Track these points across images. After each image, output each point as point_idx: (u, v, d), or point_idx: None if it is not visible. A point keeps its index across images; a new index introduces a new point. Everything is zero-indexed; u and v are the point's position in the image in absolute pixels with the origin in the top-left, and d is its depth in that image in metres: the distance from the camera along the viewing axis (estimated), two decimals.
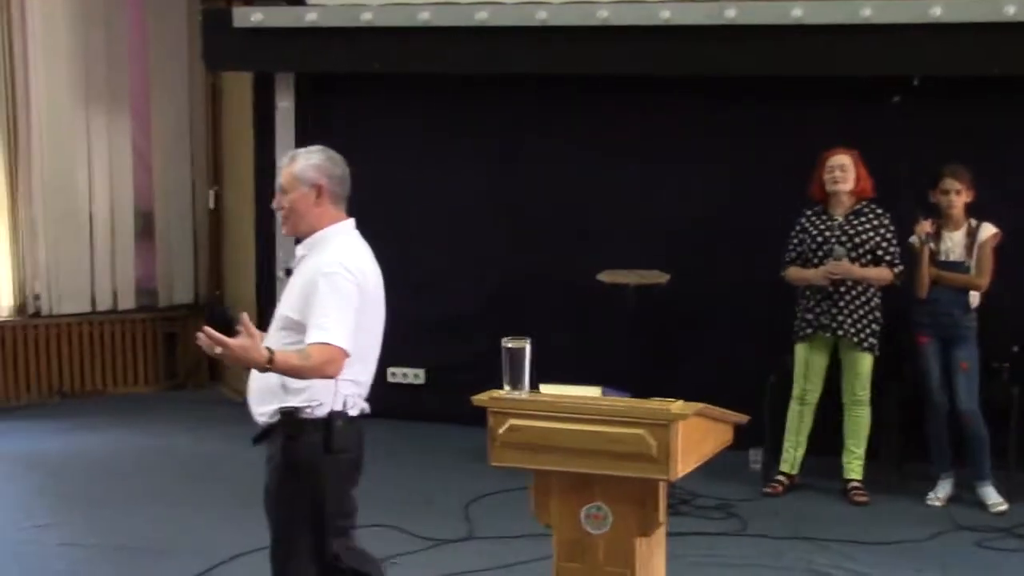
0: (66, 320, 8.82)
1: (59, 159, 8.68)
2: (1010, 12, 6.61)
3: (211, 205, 9.22)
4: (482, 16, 7.46)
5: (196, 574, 5.38)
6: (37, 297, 8.76)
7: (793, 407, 6.67)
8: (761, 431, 6.62)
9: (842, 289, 6.47)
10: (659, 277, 7.01)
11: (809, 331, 6.56)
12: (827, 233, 6.52)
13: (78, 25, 8.68)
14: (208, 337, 3.52)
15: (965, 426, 6.37)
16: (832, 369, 6.63)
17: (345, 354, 3.69)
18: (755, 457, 6.93)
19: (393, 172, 8.02)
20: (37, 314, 8.77)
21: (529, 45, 7.42)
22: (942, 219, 6.47)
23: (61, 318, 8.81)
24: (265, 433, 3.92)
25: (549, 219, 7.81)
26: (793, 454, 6.69)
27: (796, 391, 6.65)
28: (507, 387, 3.74)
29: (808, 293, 6.57)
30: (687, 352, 7.49)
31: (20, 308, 8.75)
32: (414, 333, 7.87)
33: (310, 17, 7.80)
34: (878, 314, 6.51)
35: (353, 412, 3.92)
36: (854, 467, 6.59)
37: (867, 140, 6.68)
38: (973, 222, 6.45)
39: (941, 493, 6.49)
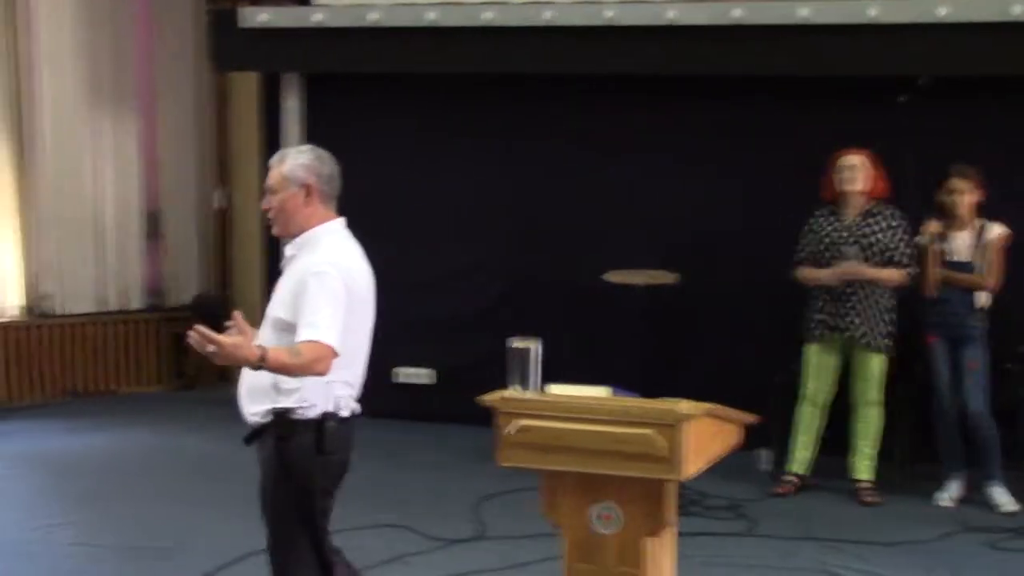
0: (74, 320, 8.84)
1: (66, 160, 8.70)
2: (1016, 11, 6.61)
3: (218, 204, 9.24)
4: (488, 16, 7.47)
5: (205, 573, 5.39)
6: (45, 297, 8.78)
7: (803, 408, 6.66)
8: (770, 431, 6.61)
9: (851, 290, 6.47)
10: (668, 277, 7.01)
11: (820, 332, 6.55)
12: (836, 234, 6.52)
13: (85, 26, 8.70)
14: (200, 335, 3.50)
15: (974, 427, 6.36)
16: (842, 370, 6.63)
17: (334, 352, 3.68)
18: (764, 458, 6.93)
19: (400, 172, 8.04)
20: (45, 314, 8.78)
21: (535, 45, 7.43)
22: (950, 219, 6.47)
23: (69, 318, 8.82)
24: (256, 433, 3.91)
25: (557, 219, 7.81)
26: (803, 454, 6.68)
27: (806, 392, 6.65)
28: (516, 387, 3.74)
29: (819, 294, 6.56)
30: (695, 352, 7.49)
31: (29, 308, 8.77)
32: (423, 333, 7.91)
33: (317, 17, 7.81)
34: (891, 315, 6.50)
35: (344, 413, 3.91)
36: (864, 467, 6.59)
37: (873, 140, 6.67)
38: (981, 222, 6.44)
39: (951, 494, 6.49)
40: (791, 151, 7.20)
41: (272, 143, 8.27)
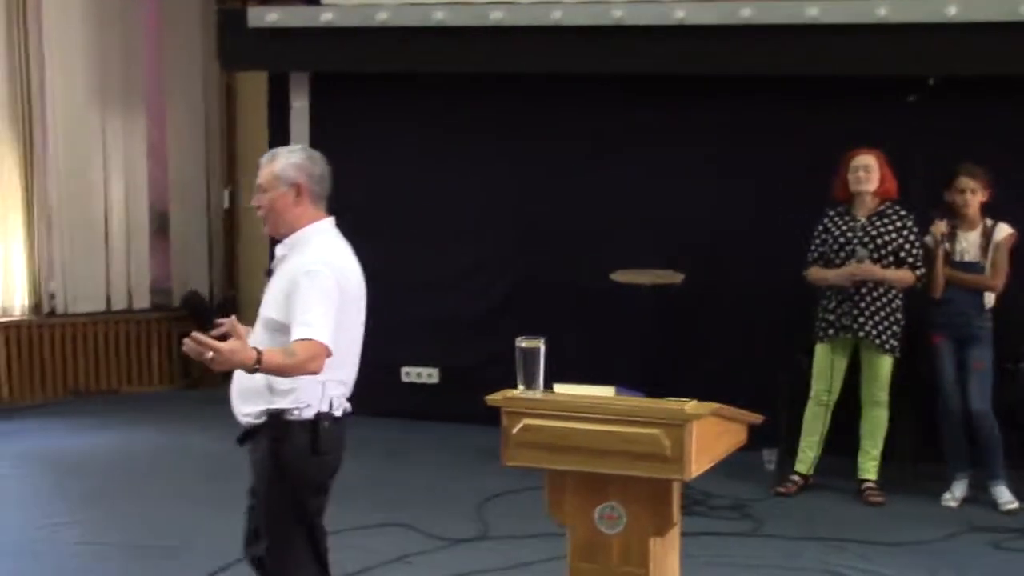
0: (81, 319, 8.85)
1: (74, 159, 8.71)
2: None
3: (226, 204, 9.25)
4: (497, 16, 7.46)
5: (211, 572, 5.39)
6: (52, 296, 8.79)
7: (811, 408, 6.64)
8: (775, 431, 6.60)
9: (864, 290, 6.44)
10: (674, 277, 7.00)
11: (830, 332, 6.53)
12: (849, 234, 6.50)
13: (93, 25, 8.71)
14: (196, 342, 3.46)
15: (978, 426, 6.35)
16: (850, 370, 6.62)
17: (328, 351, 3.66)
18: (769, 457, 6.91)
19: (408, 171, 8.04)
20: (52, 313, 8.79)
21: (544, 45, 7.42)
22: (957, 219, 6.45)
23: (76, 317, 8.83)
24: (249, 434, 3.90)
25: (564, 219, 7.80)
26: (809, 454, 6.67)
27: (814, 391, 6.63)
28: (521, 387, 3.74)
29: (830, 294, 6.54)
30: (701, 352, 7.48)
31: (35, 307, 8.78)
32: (428, 333, 7.91)
33: (325, 17, 7.81)
34: (900, 316, 6.49)
35: (338, 413, 3.90)
36: (869, 467, 6.58)
37: (882, 140, 6.66)
38: (989, 222, 6.43)
39: (956, 493, 6.48)
40: (799, 151, 7.19)
41: (280, 143, 8.19)
